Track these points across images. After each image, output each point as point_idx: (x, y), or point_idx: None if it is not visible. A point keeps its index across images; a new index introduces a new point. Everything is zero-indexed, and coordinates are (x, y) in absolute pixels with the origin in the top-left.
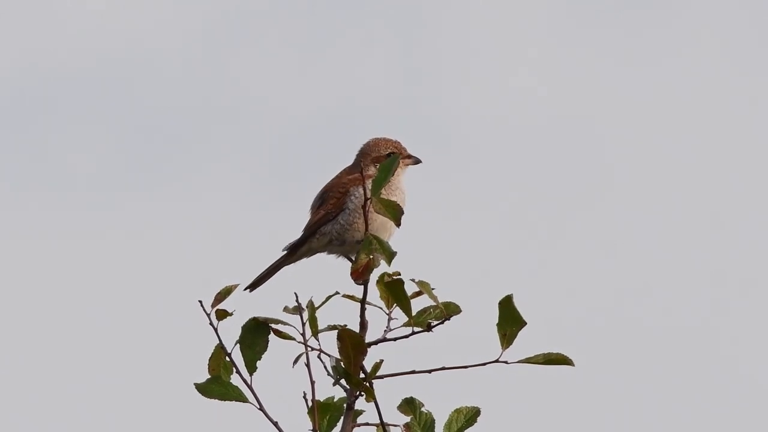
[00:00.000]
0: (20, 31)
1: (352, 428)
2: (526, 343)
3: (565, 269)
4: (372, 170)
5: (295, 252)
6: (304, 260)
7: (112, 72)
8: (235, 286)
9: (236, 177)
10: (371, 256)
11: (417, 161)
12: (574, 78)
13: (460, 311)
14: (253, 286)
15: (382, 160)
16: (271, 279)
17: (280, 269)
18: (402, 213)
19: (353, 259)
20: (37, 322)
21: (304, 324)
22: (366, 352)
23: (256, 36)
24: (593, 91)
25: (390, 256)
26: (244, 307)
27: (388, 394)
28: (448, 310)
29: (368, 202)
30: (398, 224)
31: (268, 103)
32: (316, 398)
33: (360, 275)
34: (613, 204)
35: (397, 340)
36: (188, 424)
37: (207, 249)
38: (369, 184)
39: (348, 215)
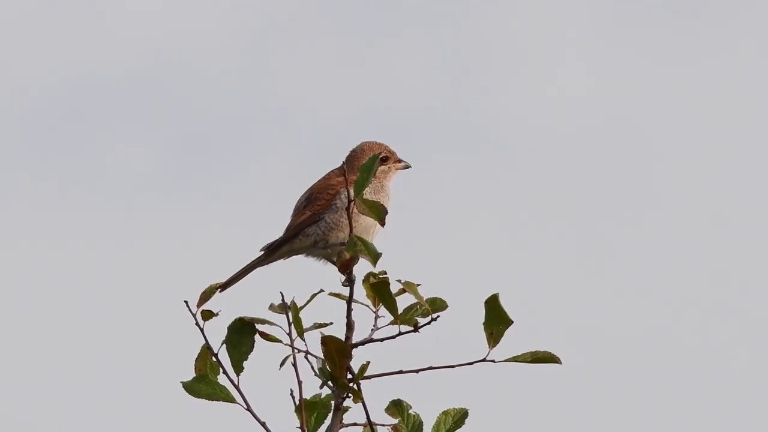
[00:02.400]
0: (61, 37)
1: (340, 428)
2: (512, 342)
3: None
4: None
5: (273, 253)
6: (281, 262)
7: (150, 77)
8: (219, 285)
9: (276, 180)
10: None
11: (407, 166)
12: (617, 79)
13: (447, 307)
14: (225, 286)
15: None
16: (252, 278)
17: (254, 269)
18: (386, 212)
19: (334, 261)
20: (37, 322)
21: (290, 324)
22: (351, 356)
23: (296, 39)
24: (637, 93)
25: (375, 257)
26: (229, 307)
27: (376, 393)
28: (434, 306)
29: (351, 203)
30: (382, 224)
31: (307, 105)
32: (304, 397)
33: (347, 265)
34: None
35: (384, 341)
36: (175, 425)
37: (250, 252)
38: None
39: (334, 215)
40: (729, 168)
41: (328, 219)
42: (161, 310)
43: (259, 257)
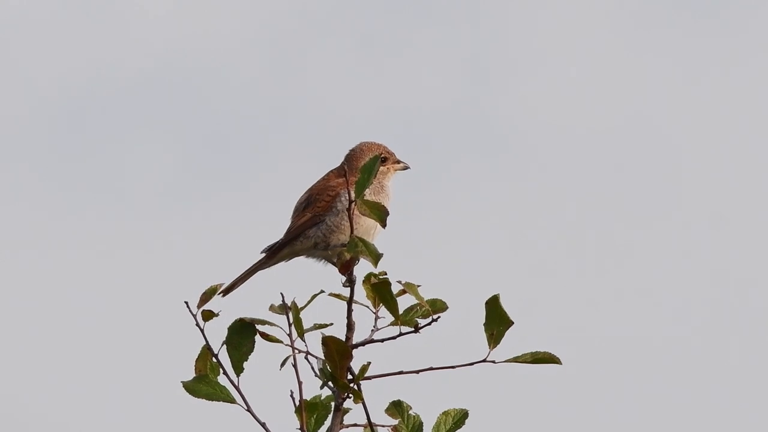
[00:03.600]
0: (83, 40)
1: (340, 429)
2: (513, 342)
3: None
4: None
5: (274, 255)
6: (282, 264)
7: (171, 80)
8: (220, 286)
9: (295, 183)
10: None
11: (406, 167)
12: (637, 80)
13: (447, 308)
14: (227, 291)
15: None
16: (252, 279)
17: (255, 273)
18: (387, 214)
19: (335, 262)
20: (38, 322)
21: (290, 324)
22: (351, 356)
23: (315, 41)
24: (656, 94)
25: (376, 257)
26: (230, 308)
27: (376, 394)
28: (434, 308)
29: (352, 204)
30: (384, 225)
31: (326, 107)
32: (304, 398)
33: (348, 266)
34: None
35: (385, 341)
36: (175, 425)
37: (256, 253)
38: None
39: (335, 217)
40: (748, 169)
41: (329, 221)
42: (162, 310)
43: (260, 260)
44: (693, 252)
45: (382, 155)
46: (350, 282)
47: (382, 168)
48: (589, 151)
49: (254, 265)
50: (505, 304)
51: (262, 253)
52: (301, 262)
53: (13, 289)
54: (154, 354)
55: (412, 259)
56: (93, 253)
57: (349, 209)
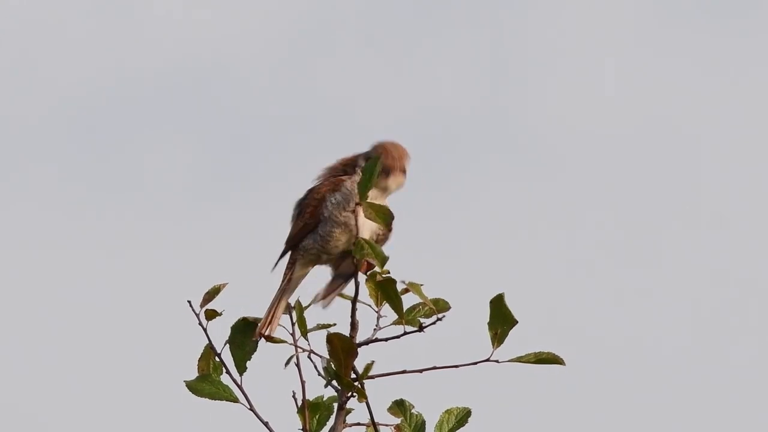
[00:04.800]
0: (104, 40)
1: (343, 428)
2: (516, 342)
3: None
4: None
5: (288, 276)
6: (282, 264)
7: (193, 81)
8: (224, 285)
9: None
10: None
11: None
12: (661, 81)
13: (449, 308)
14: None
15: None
16: (254, 278)
17: (282, 299)
18: (393, 217)
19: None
20: (40, 322)
21: (293, 324)
22: (357, 354)
23: (335, 42)
24: (681, 95)
25: (383, 260)
26: (233, 307)
27: (379, 393)
28: (437, 307)
29: (358, 206)
30: (389, 229)
31: (346, 109)
32: (307, 398)
33: (370, 266)
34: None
35: (389, 341)
36: (178, 424)
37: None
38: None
39: (325, 225)
40: None
41: (321, 231)
42: (166, 310)
43: (284, 287)
44: (708, 255)
45: (387, 167)
46: (356, 282)
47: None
48: (608, 152)
49: (281, 293)
50: (510, 304)
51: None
52: None
53: (11, 289)
54: (157, 353)
55: (414, 258)
56: (105, 252)
57: (354, 211)
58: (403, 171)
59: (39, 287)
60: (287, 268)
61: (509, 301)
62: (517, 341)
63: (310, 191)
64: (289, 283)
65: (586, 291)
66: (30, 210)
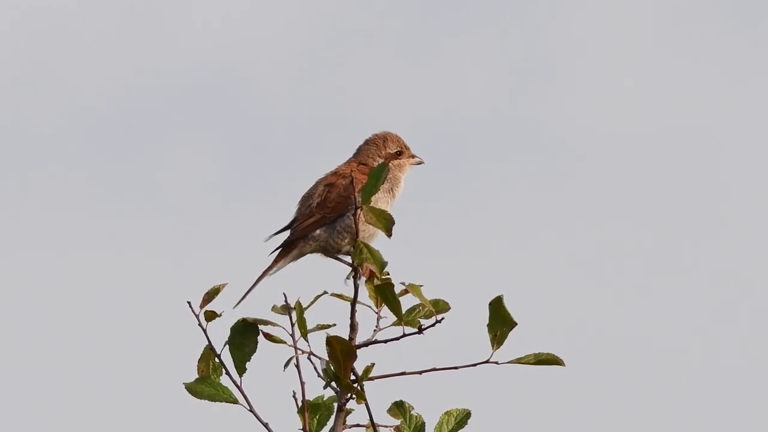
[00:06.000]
0: (130, 46)
1: (343, 429)
2: (516, 344)
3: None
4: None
5: (282, 258)
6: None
7: (218, 85)
8: (223, 286)
9: None
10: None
11: (420, 161)
12: (682, 85)
13: (449, 308)
14: (239, 303)
15: (391, 157)
16: (257, 275)
17: (264, 278)
18: (393, 224)
19: (342, 259)
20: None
21: (293, 325)
22: (356, 356)
23: (356, 47)
24: (704, 99)
25: (381, 265)
26: (232, 308)
27: (378, 394)
28: (436, 308)
29: (358, 210)
30: (389, 235)
31: (371, 111)
32: (306, 398)
33: (372, 274)
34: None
35: (388, 342)
36: (177, 426)
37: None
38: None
39: (344, 220)
40: None
41: (339, 226)
42: (166, 311)
43: (270, 267)
44: (727, 256)
45: (398, 149)
46: (355, 274)
47: (397, 162)
48: (628, 153)
49: (264, 272)
50: (509, 306)
51: (270, 254)
52: (302, 261)
53: (12, 288)
54: (157, 355)
55: (416, 258)
56: (120, 253)
57: (354, 215)
58: (411, 156)
59: (46, 288)
60: (283, 252)
61: (508, 303)
62: (516, 343)
63: (328, 186)
64: (274, 267)
65: (590, 291)
66: (53, 211)
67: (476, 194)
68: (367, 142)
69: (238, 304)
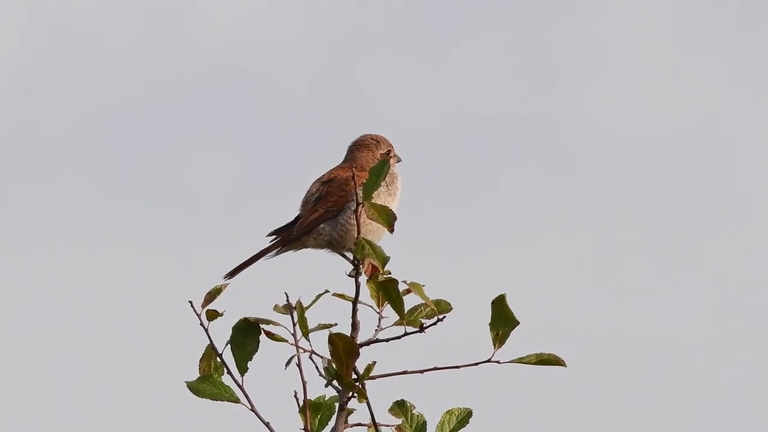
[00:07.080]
0: (149, 47)
1: (345, 428)
2: (518, 343)
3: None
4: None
5: (284, 246)
6: (286, 263)
7: (235, 86)
8: (225, 286)
9: None
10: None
11: (399, 160)
12: (698, 85)
13: (451, 309)
14: (232, 274)
15: (384, 157)
16: (256, 278)
17: (260, 259)
18: (395, 219)
19: (346, 255)
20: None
21: (295, 324)
22: (358, 354)
23: (373, 47)
24: (718, 100)
25: (383, 260)
26: (234, 307)
27: (380, 393)
28: (438, 308)
29: (360, 206)
30: (391, 230)
31: (388, 111)
32: (308, 398)
33: (375, 270)
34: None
35: (390, 341)
36: (179, 425)
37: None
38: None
39: (349, 215)
40: None
41: (342, 219)
42: (168, 310)
43: (267, 248)
44: (742, 257)
45: (387, 149)
46: (357, 272)
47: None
48: (645, 154)
49: (261, 251)
50: (512, 305)
51: (269, 236)
52: (304, 260)
53: (14, 288)
54: (158, 354)
55: (417, 258)
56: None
57: (356, 211)
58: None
59: (45, 289)
60: (283, 242)
61: (511, 302)
62: (518, 343)
63: (326, 182)
64: (272, 250)
65: (593, 292)
66: (71, 211)
67: (490, 194)
68: (358, 147)
69: (229, 275)
